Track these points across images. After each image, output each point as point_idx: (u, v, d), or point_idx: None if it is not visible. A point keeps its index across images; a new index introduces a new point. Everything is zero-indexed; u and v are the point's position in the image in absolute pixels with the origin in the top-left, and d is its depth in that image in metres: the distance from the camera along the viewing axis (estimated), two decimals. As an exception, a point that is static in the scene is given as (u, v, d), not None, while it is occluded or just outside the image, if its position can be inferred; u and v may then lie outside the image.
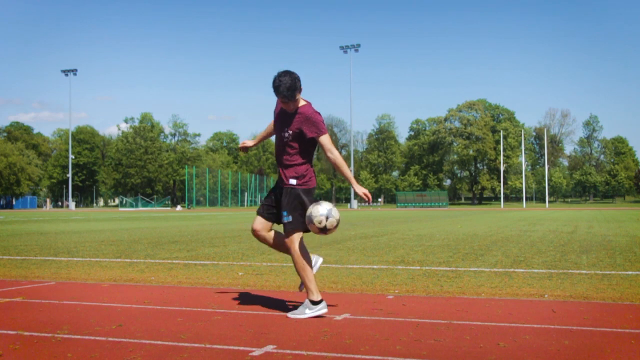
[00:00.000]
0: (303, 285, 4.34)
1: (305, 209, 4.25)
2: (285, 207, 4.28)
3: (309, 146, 4.34)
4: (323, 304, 4.22)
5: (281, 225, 4.40)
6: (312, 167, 4.41)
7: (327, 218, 4.13)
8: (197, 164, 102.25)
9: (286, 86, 4.19)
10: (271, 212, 4.45)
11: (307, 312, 4.19)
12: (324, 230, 4.17)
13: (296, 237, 4.27)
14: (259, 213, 4.48)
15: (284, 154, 4.37)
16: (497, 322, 3.98)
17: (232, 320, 4.10)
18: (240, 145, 4.84)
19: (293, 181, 4.31)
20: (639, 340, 3.48)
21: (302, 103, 4.36)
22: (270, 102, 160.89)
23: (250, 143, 4.79)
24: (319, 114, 4.37)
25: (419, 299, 4.93)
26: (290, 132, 4.31)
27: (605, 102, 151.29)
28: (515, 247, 9.94)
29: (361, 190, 4.30)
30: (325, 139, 4.30)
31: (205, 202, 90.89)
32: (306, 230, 4.31)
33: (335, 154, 4.30)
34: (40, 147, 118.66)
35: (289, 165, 4.34)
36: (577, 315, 4.23)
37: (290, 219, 4.26)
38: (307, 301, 4.23)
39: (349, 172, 4.34)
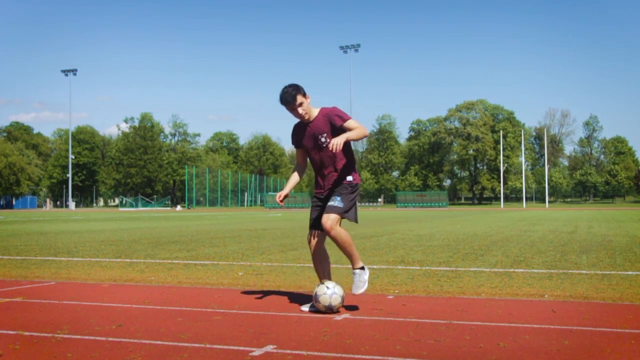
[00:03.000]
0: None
1: (354, 200, 4.48)
2: (339, 193, 4.44)
3: (347, 144, 4.47)
4: (365, 267, 4.54)
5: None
6: (355, 163, 4.60)
7: (331, 296, 4.35)
8: (197, 164, 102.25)
9: (285, 91, 4.49)
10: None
11: (365, 277, 4.47)
12: (330, 309, 4.34)
13: (338, 219, 4.39)
14: (312, 227, 4.61)
15: (330, 161, 4.51)
16: (497, 322, 3.98)
17: (232, 320, 4.10)
18: (279, 199, 4.79)
19: (350, 178, 4.51)
20: (639, 340, 3.48)
21: (316, 109, 4.59)
22: (269, 101, 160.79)
23: (285, 192, 4.77)
24: (337, 107, 4.56)
25: (419, 299, 4.93)
26: (325, 134, 4.48)
27: (605, 102, 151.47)
28: (515, 247, 9.94)
29: (339, 140, 4.18)
30: (350, 123, 4.42)
31: (205, 202, 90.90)
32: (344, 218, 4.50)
33: (360, 129, 4.35)
34: (40, 147, 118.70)
35: (338, 169, 4.50)
36: (577, 315, 4.23)
37: (342, 204, 4.39)
38: (358, 270, 4.46)
39: (354, 134, 4.28)
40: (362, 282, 4.44)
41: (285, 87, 4.50)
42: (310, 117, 4.55)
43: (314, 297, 4.39)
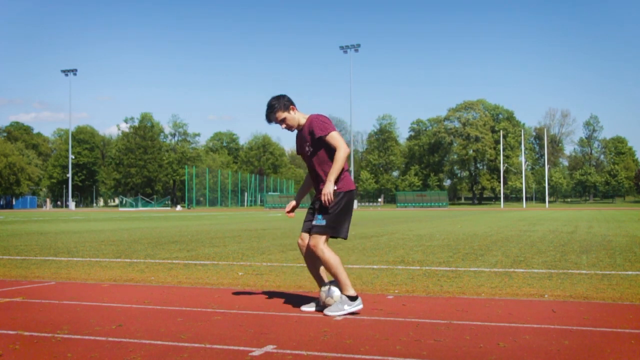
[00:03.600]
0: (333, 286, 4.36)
1: (340, 212, 4.32)
2: (320, 211, 4.35)
3: (333, 152, 4.36)
4: (359, 300, 4.30)
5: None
6: (346, 171, 4.44)
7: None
8: (197, 164, 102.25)
9: (267, 108, 4.49)
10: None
11: (346, 307, 4.22)
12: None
13: (322, 239, 4.31)
14: (303, 230, 4.54)
15: (317, 168, 4.45)
16: (497, 322, 3.98)
17: (232, 320, 4.10)
18: (287, 211, 4.75)
19: (335, 186, 4.38)
20: (639, 340, 3.48)
21: (305, 116, 4.55)
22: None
23: (294, 203, 4.74)
24: (324, 116, 4.46)
25: (419, 299, 4.93)
26: (308, 143, 4.45)
27: (605, 102, 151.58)
28: (515, 247, 9.94)
29: (326, 191, 4.24)
30: (332, 136, 4.34)
31: (205, 202, 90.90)
32: (333, 236, 4.38)
33: (339, 153, 4.28)
34: (40, 147, 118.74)
35: (325, 176, 4.41)
36: (577, 315, 4.23)
37: (323, 222, 4.30)
38: (344, 297, 4.26)
39: (334, 171, 4.27)
40: (338, 308, 4.21)
41: (268, 103, 4.49)
42: (298, 126, 4.55)
43: (324, 293, 4.35)
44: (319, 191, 4.47)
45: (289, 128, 4.53)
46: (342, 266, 4.31)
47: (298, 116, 4.52)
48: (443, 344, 3.42)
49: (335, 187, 4.34)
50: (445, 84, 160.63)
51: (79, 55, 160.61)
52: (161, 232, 15.81)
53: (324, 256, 4.28)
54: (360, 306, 4.29)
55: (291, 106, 4.49)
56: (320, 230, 4.30)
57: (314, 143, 4.41)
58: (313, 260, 4.51)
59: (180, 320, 4.12)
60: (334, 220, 4.32)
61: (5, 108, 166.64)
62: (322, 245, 4.29)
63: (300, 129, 4.56)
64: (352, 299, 4.26)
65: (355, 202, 72.11)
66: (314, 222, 4.36)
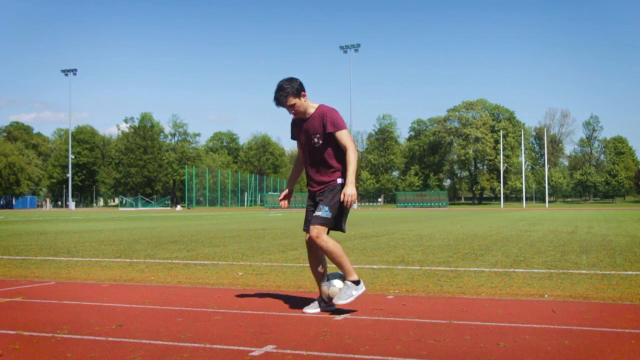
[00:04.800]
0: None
1: (343, 209, 4.37)
2: (327, 203, 4.32)
3: (340, 148, 4.38)
4: (362, 282, 4.36)
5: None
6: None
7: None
8: (197, 164, 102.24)
9: (278, 90, 4.32)
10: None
11: (353, 292, 4.26)
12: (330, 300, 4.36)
13: (325, 230, 4.30)
14: (305, 229, 4.49)
15: (322, 161, 4.41)
16: (497, 322, 3.98)
17: (232, 320, 4.10)
18: (281, 199, 4.72)
19: (340, 180, 4.38)
20: (639, 340, 3.48)
21: (314, 105, 4.44)
22: (269, 101, 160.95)
23: (287, 191, 4.70)
24: (337, 111, 4.41)
25: (419, 299, 4.93)
26: (318, 135, 4.37)
27: (605, 102, 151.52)
28: (515, 247, 9.94)
29: (348, 192, 4.23)
30: (343, 134, 4.33)
31: (205, 202, 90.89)
32: (334, 228, 4.40)
33: (351, 154, 4.30)
34: (40, 147, 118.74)
35: (332, 170, 4.39)
36: (577, 315, 4.23)
37: (329, 214, 4.29)
38: (348, 282, 4.29)
39: (352, 173, 4.30)
40: (347, 294, 4.23)
41: (279, 85, 4.32)
42: (306, 114, 4.43)
43: (326, 287, 4.36)
44: (318, 182, 4.41)
45: (296, 114, 4.43)
46: (344, 254, 4.34)
47: (307, 104, 4.41)
48: (443, 344, 3.42)
49: (342, 180, 4.37)
50: (445, 84, 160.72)
51: (79, 55, 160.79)
52: (161, 232, 15.81)
53: (327, 246, 4.25)
54: (364, 288, 4.35)
55: (302, 92, 4.36)
56: (325, 222, 4.29)
57: (325, 136, 4.35)
58: (318, 259, 4.49)
59: (180, 320, 4.12)
60: (338, 212, 4.35)
61: (5, 108, 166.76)
62: (324, 235, 4.28)
63: (307, 117, 4.43)
64: (357, 282, 4.31)
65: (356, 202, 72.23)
66: (318, 213, 4.30)
